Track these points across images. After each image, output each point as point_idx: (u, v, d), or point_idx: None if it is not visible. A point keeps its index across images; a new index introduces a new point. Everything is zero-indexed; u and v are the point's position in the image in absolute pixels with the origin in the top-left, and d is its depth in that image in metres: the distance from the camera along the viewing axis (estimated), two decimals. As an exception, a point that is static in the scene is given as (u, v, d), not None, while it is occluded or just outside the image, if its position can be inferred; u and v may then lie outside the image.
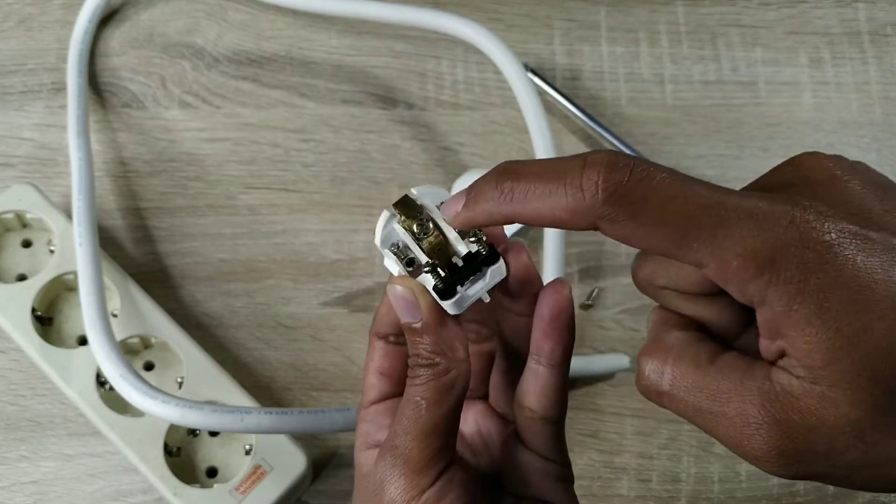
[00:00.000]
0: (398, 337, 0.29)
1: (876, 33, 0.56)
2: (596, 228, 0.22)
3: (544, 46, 0.55)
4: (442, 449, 0.26)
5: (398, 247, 0.27)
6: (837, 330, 0.20)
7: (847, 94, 0.54)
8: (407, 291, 0.26)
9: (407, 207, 0.27)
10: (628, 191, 0.21)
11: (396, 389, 0.29)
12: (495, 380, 0.31)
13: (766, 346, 0.22)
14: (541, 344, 0.28)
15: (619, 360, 0.46)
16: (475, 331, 0.31)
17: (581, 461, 0.45)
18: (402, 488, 0.26)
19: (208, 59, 0.53)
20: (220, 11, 0.54)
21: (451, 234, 0.26)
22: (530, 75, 0.51)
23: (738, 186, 0.23)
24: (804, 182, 0.22)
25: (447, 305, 0.26)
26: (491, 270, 0.26)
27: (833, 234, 0.20)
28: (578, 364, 0.46)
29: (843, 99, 0.54)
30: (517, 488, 0.29)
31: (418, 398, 0.26)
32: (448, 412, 0.26)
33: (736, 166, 0.52)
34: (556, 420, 0.29)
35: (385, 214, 0.27)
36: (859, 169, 0.23)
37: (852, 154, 0.53)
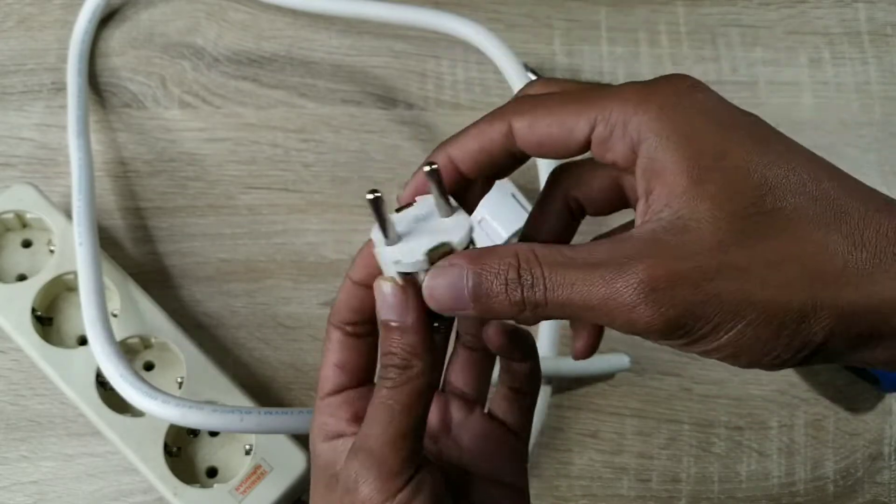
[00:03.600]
0: (355, 327, 0.29)
1: (876, 33, 0.56)
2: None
3: (544, 46, 0.55)
4: (414, 451, 0.26)
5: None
6: (703, 152, 0.22)
7: (847, 94, 0.54)
8: (398, 291, 0.25)
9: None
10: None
11: (352, 381, 0.29)
12: (461, 358, 0.32)
13: (642, 210, 0.23)
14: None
15: (619, 360, 0.46)
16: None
17: (581, 461, 0.45)
18: (375, 490, 0.26)
19: (208, 59, 0.53)
20: (220, 11, 0.54)
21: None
22: (530, 75, 0.51)
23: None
24: None
25: None
26: None
27: (696, 85, 0.24)
28: (578, 364, 0.46)
29: (844, 99, 0.54)
30: (477, 468, 0.30)
31: (391, 402, 0.26)
32: (420, 415, 0.26)
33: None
34: (532, 393, 0.32)
35: (387, 252, 0.25)
36: None
37: (852, 154, 0.53)
